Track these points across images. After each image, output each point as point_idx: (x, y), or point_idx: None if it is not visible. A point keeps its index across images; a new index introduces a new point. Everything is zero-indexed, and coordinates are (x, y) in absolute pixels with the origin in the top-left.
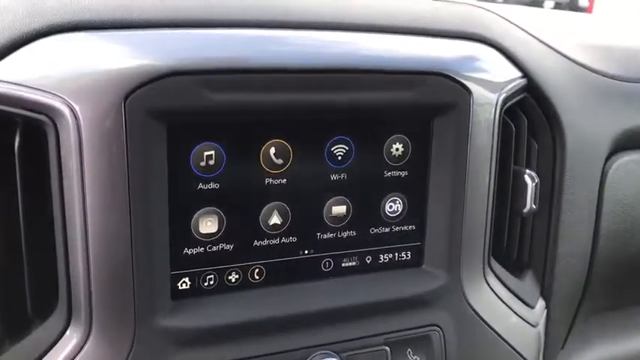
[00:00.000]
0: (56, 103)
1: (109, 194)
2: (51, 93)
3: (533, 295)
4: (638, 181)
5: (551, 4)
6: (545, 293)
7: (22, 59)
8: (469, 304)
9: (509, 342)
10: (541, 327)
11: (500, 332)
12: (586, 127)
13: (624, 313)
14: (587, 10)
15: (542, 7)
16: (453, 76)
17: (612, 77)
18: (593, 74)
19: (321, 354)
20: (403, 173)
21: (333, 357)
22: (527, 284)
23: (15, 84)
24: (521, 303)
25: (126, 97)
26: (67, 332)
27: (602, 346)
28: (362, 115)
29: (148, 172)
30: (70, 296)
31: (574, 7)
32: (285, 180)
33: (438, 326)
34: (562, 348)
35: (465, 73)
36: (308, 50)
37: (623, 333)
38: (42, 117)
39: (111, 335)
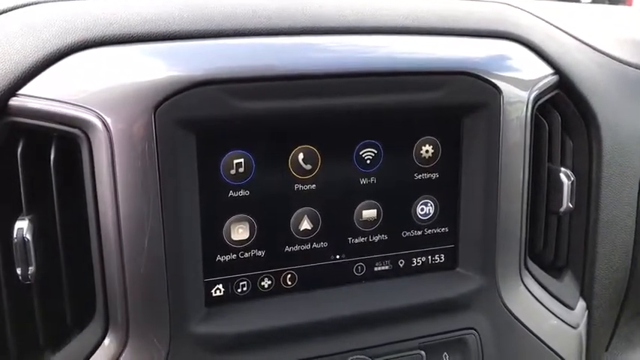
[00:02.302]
0: (89, 117)
1: (142, 204)
2: (84, 107)
3: (573, 296)
4: None
5: None
6: (586, 294)
7: (55, 75)
8: (506, 307)
9: (549, 344)
10: (582, 328)
11: (538, 334)
12: (624, 123)
13: None
14: (626, 2)
15: (579, 1)
16: (481, 75)
17: None
18: (630, 68)
19: (356, 359)
20: (434, 175)
21: None
22: (566, 285)
23: (49, 99)
24: (560, 304)
25: (155, 108)
26: (105, 341)
27: None
28: (390, 118)
29: (179, 181)
30: (107, 305)
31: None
32: (314, 185)
33: (474, 329)
34: (606, 350)
35: (494, 72)
36: (334, 55)
37: None
38: (76, 131)
39: (147, 342)
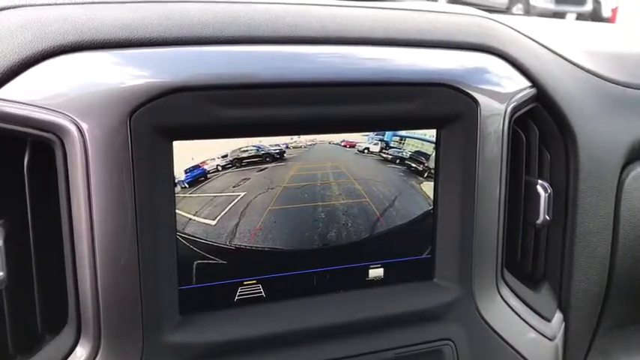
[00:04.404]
0: (63, 122)
1: (116, 211)
2: (58, 112)
3: (550, 308)
4: None
5: (574, 15)
6: (563, 306)
7: (30, 80)
8: (482, 318)
9: (525, 356)
10: (559, 340)
11: (514, 345)
12: (599, 135)
13: None
14: (609, 20)
15: (564, 18)
16: (459, 86)
17: (624, 85)
18: (605, 82)
19: None
20: None
21: None
22: (544, 297)
23: (24, 104)
24: (537, 316)
25: (131, 114)
26: (77, 349)
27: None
28: (367, 129)
29: (154, 189)
30: (79, 312)
31: (596, 17)
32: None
33: (450, 340)
34: None
35: (472, 84)
36: (311, 65)
37: None
38: (50, 135)
39: (120, 351)
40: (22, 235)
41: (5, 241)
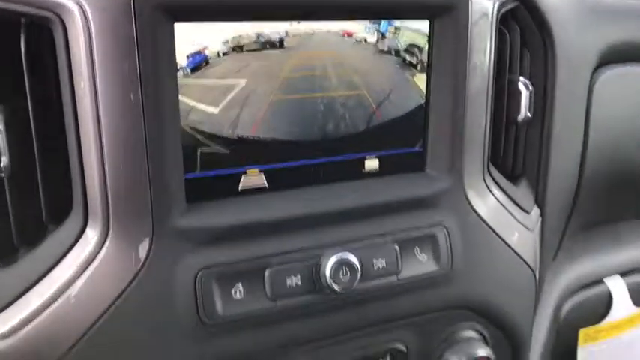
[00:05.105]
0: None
1: (121, 92)
2: None
3: (529, 202)
4: (622, 95)
5: None
6: (539, 201)
7: None
8: (471, 206)
9: (509, 242)
10: (537, 233)
11: (499, 233)
12: (575, 39)
13: (608, 230)
14: None
15: None
16: None
17: None
18: None
19: (335, 250)
20: None
21: (347, 253)
22: (523, 191)
23: None
24: (517, 208)
25: None
26: (86, 232)
27: (589, 259)
28: (362, 17)
29: (158, 70)
30: (86, 198)
31: None
32: None
33: (443, 226)
34: (553, 259)
35: None
36: None
37: (607, 248)
38: (48, 14)
39: (129, 234)
40: (23, 121)
41: (7, 127)
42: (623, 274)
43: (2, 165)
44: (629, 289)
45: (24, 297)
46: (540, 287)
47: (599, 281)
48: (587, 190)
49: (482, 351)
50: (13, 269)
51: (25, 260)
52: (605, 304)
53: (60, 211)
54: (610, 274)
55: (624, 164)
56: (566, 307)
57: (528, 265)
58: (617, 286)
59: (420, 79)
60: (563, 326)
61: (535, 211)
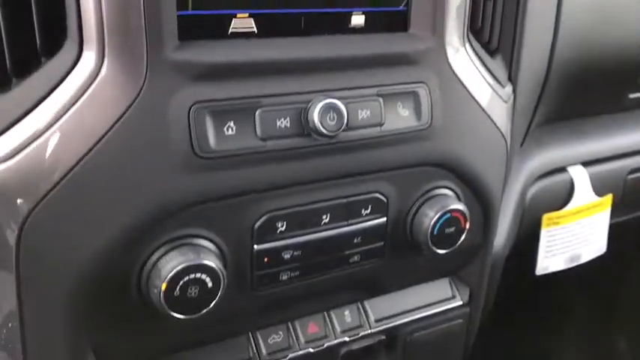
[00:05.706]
0: None
1: None
2: None
3: (503, 76)
4: None
5: None
6: (513, 78)
7: None
8: (451, 69)
9: (485, 109)
10: (510, 106)
11: (476, 97)
12: None
13: (573, 123)
14: None
15: None
16: None
17: None
18: None
19: (323, 96)
20: None
21: (335, 100)
22: (498, 64)
23: None
24: (493, 78)
25: None
26: (82, 58)
27: (554, 149)
28: None
29: None
30: (81, 25)
31: None
32: None
33: (424, 83)
34: (521, 146)
35: None
36: None
37: (571, 140)
38: None
39: (124, 63)
40: None
41: None
42: (586, 164)
43: None
44: (591, 179)
45: (21, 122)
46: (508, 171)
47: (562, 169)
48: (557, 78)
49: (458, 205)
50: (8, 95)
51: (20, 88)
52: (568, 191)
53: (54, 45)
54: (574, 163)
55: (592, 55)
56: (531, 191)
57: (502, 134)
58: (579, 175)
59: None
60: (527, 210)
61: (509, 87)
